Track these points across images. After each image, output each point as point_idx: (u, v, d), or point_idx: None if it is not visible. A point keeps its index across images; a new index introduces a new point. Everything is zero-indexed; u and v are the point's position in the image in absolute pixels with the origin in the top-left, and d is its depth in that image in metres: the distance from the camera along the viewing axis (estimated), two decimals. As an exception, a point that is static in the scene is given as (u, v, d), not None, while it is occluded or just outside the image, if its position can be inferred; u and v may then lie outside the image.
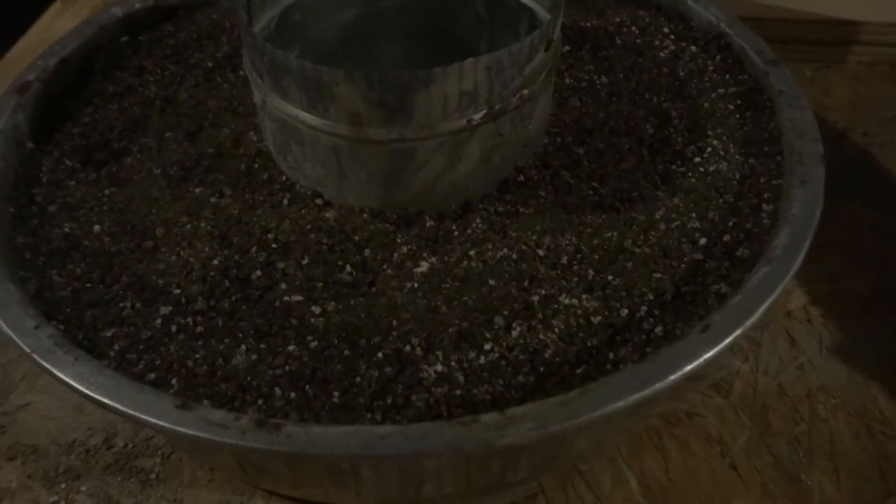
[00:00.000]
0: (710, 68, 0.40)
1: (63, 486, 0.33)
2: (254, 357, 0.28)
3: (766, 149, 0.35)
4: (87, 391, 0.25)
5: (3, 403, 0.36)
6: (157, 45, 0.42)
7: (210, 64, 0.41)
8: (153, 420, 0.24)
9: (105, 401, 0.24)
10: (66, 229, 0.33)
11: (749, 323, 0.26)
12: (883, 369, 0.36)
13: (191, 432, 0.23)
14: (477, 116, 0.30)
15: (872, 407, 0.35)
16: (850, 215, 0.44)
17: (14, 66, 0.50)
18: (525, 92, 0.31)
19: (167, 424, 0.24)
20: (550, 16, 0.31)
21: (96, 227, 0.33)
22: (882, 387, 0.35)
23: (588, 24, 0.43)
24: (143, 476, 0.33)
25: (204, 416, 0.24)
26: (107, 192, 0.34)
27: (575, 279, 0.30)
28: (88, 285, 0.30)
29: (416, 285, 0.30)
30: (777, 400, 0.35)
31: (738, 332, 0.26)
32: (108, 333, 0.29)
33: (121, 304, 0.30)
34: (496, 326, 0.28)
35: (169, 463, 0.33)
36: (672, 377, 0.24)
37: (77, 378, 0.25)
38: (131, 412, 0.24)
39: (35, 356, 0.26)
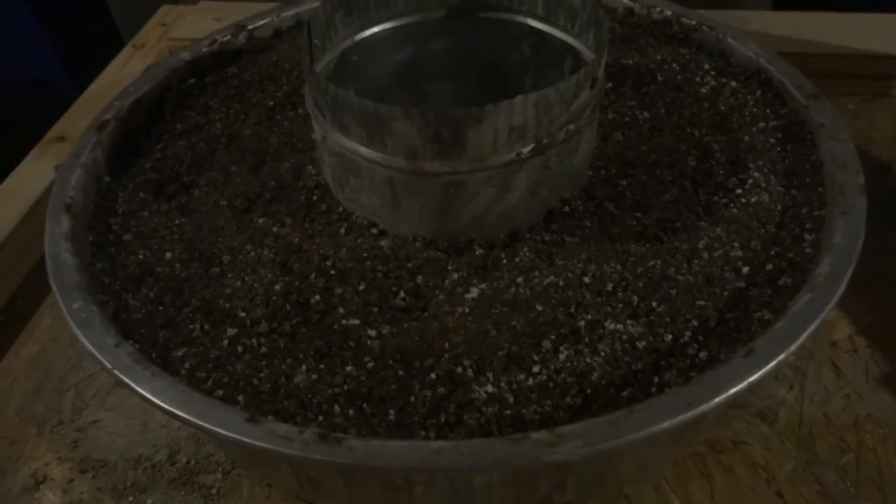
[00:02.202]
0: (751, 103, 0.41)
1: (130, 498, 0.35)
2: (314, 376, 0.29)
3: (808, 180, 0.36)
4: (164, 405, 0.27)
5: (75, 420, 0.38)
6: (222, 85, 0.45)
7: (271, 103, 0.44)
8: (224, 432, 0.26)
9: (181, 414, 0.26)
10: (141, 256, 0.35)
11: (792, 348, 0.27)
12: (932, 400, 0.36)
13: (259, 444, 0.25)
14: (525, 150, 0.31)
15: (922, 437, 0.35)
16: (895, 246, 0.44)
17: (89, 105, 0.54)
18: (571, 127, 0.32)
19: (237, 436, 0.25)
20: (595, 55, 0.33)
21: (167, 255, 0.35)
22: (931, 417, 0.35)
23: (630, 62, 0.45)
24: (204, 491, 0.35)
25: (271, 430, 0.25)
26: (177, 221, 0.37)
27: (620, 305, 0.31)
28: (161, 308, 0.32)
29: (466, 310, 0.31)
30: (823, 429, 0.35)
31: (781, 357, 0.26)
32: (180, 353, 0.31)
33: (190, 326, 0.32)
34: (544, 350, 0.29)
35: (229, 479, 0.35)
36: (717, 399, 0.25)
37: (154, 392, 0.27)
38: (204, 424, 0.26)
39: (116, 372, 0.28)
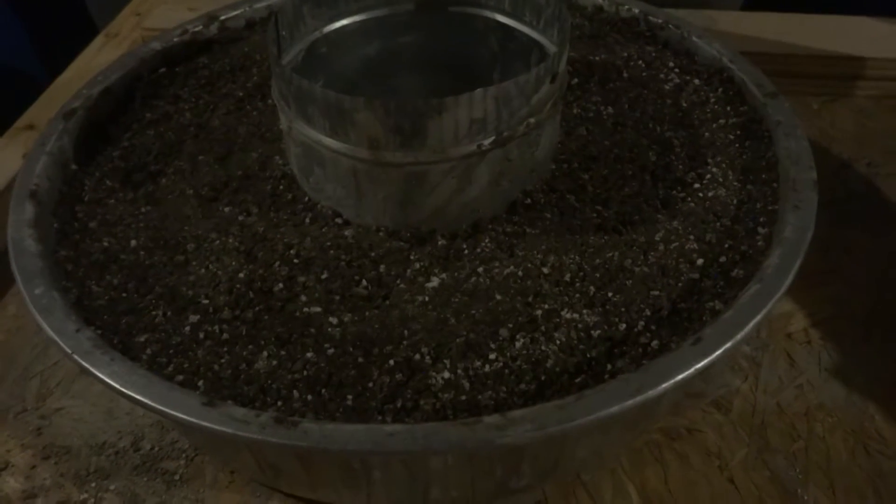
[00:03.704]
0: (712, 100, 0.42)
1: (93, 485, 0.35)
2: (274, 363, 0.30)
3: (764, 176, 0.37)
4: (122, 388, 0.27)
5: (39, 407, 0.38)
6: (193, 75, 0.45)
7: (241, 93, 0.44)
8: (181, 416, 0.26)
9: (138, 397, 0.27)
10: (105, 244, 0.35)
11: (739, 337, 0.27)
12: (880, 390, 0.37)
13: (216, 427, 0.25)
14: (486, 142, 0.32)
15: (869, 426, 0.36)
16: (851, 242, 0.45)
17: (60, 93, 0.54)
18: (532, 120, 0.33)
19: (194, 420, 0.26)
20: (557, 49, 0.33)
21: (132, 242, 0.35)
22: (879, 406, 0.36)
23: (597, 59, 0.45)
24: (167, 477, 0.35)
25: (228, 413, 0.26)
26: (143, 210, 0.37)
27: (577, 295, 0.32)
28: (124, 295, 0.33)
29: (426, 299, 0.32)
30: (776, 417, 0.36)
31: (728, 345, 0.27)
32: (142, 339, 0.31)
33: (153, 313, 0.32)
34: (501, 338, 0.30)
35: (192, 465, 0.35)
36: (664, 385, 0.26)
37: (113, 376, 0.27)
38: (162, 408, 0.26)
39: (76, 356, 0.28)
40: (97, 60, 0.58)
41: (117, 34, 0.62)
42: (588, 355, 0.29)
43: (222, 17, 0.48)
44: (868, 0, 0.63)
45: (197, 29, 0.47)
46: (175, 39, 0.46)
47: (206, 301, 0.32)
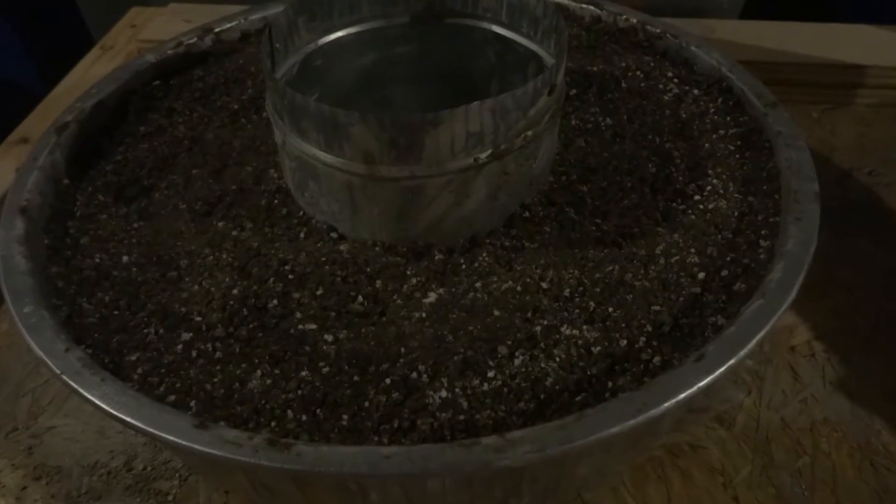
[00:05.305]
0: (712, 110, 0.41)
1: (85, 506, 0.34)
2: (268, 381, 0.29)
3: (765, 187, 0.36)
4: (111, 410, 0.26)
5: (31, 426, 0.37)
6: (187, 88, 0.45)
7: (235, 106, 0.43)
8: (172, 438, 0.25)
9: (128, 419, 0.26)
10: (97, 260, 0.35)
11: (742, 353, 0.27)
12: (886, 404, 0.37)
13: (207, 450, 0.25)
14: (483, 156, 0.31)
15: (875, 441, 0.35)
16: (854, 252, 0.44)
17: (54, 106, 0.54)
18: (529, 133, 0.32)
19: (185, 442, 0.25)
20: (554, 61, 0.33)
21: (125, 258, 0.35)
22: (885, 421, 0.36)
23: (595, 69, 0.45)
24: (161, 498, 0.34)
25: (219, 436, 0.25)
26: (136, 225, 0.36)
27: (576, 311, 0.31)
28: (116, 312, 0.32)
29: (423, 315, 0.31)
30: (780, 433, 0.36)
31: (731, 362, 0.27)
32: (133, 358, 0.30)
33: (145, 331, 0.31)
34: (500, 355, 0.29)
35: (186, 485, 0.35)
36: (666, 404, 0.25)
37: (103, 398, 0.27)
38: (152, 430, 0.26)
39: (64, 377, 0.27)
40: (92, 73, 0.58)
41: (112, 46, 0.62)
42: (588, 372, 0.29)
43: (217, 30, 0.48)
44: (867, 7, 0.63)
45: (191, 41, 0.47)
46: (169, 52, 0.46)
47: (199, 318, 0.32)
